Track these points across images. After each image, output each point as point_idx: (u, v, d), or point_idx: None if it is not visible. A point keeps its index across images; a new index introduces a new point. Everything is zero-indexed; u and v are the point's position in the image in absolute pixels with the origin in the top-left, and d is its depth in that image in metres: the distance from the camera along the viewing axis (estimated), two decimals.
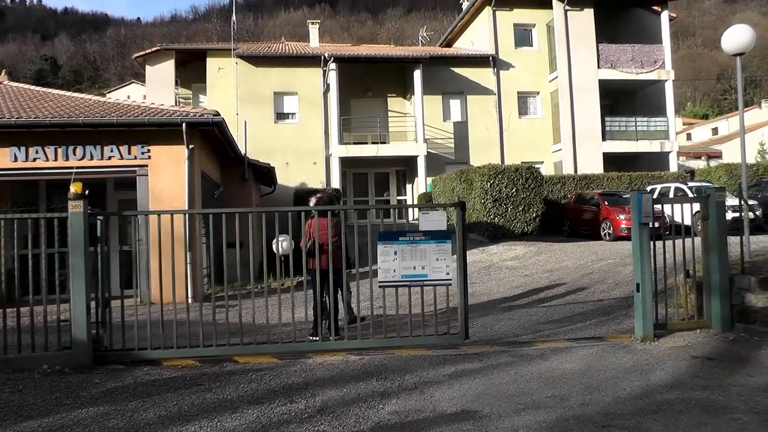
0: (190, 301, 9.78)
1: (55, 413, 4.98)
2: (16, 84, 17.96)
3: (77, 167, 12.26)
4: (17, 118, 12.42)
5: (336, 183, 25.84)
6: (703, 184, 20.23)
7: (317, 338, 7.61)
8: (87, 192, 6.56)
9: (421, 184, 26.50)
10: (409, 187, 28.84)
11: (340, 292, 8.34)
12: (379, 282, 7.05)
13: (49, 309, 6.62)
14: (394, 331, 7.35)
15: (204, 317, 7.20)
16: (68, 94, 16.90)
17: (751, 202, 12.59)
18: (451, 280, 7.14)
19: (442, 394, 5.26)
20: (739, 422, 4.45)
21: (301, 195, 22.26)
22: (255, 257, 7.20)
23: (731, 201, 13.61)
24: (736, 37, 9.20)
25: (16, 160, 12.73)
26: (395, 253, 6.99)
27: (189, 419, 4.76)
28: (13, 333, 6.50)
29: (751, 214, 8.86)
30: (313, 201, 8.67)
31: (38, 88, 17.55)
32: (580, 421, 4.52)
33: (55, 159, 12.83)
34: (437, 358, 6.55)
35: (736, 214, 14.32)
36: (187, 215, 8.41)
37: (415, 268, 7.02)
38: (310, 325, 8.02)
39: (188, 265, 10.63)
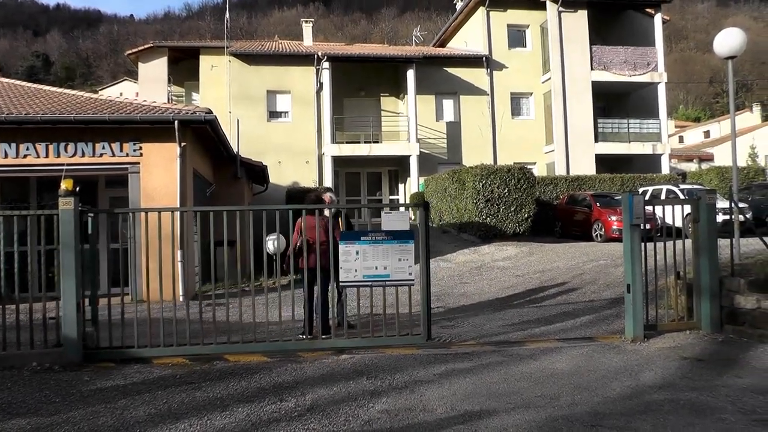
0: (181, 299, 9.77)
1: (45, 411, 4.96)
2: (7, 80, 17.87)
3: (68, 164, 12.20)
4: (8, 114, 12.35)
5: (328, 182, 25.82)
6: (695, 186, 20.34)
7: (308, 337, 7.62)
8: (78, 189, 6.54)
9: (413, 183, 26.52)
10: (401, 186, 28.86)
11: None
12: (341, 282, 7.05)
13: (38, 307, 6.59)
14: (358, 332, 7.35)
15: (194, 315, 7.19)
16: (60, 90, 16.82)
17: (741, 205, 12.65)
18: (413, 280, 7.10)
19: (432, 393, 5.27)
20: (726, 422, 4.48)
21: (294, 194, 22.25)
22: (246, 256, 7.20)
23: (722, 204, 13.68)
24: (728, 40, 9.25)
25: (6, 156, 12.66)
26: (357, 252, 6.96)
27: (179, 417, 4.75)
28: (2, 331, 6.46)
29: (741, 217, 8.91)
30: (327, 197, 8.63)
31: (30, 85, 17.47)
32: (569, 420, 4.54)
33: (46, 156, 12.77)
34: (428, 358, 6.56)
35: (727, 217, 14.40)
36: (178, 213, 8.40)
37: (377, 268, 6.97)
38: (301, 323, 8.01)
39: (180, 263, 10.60)
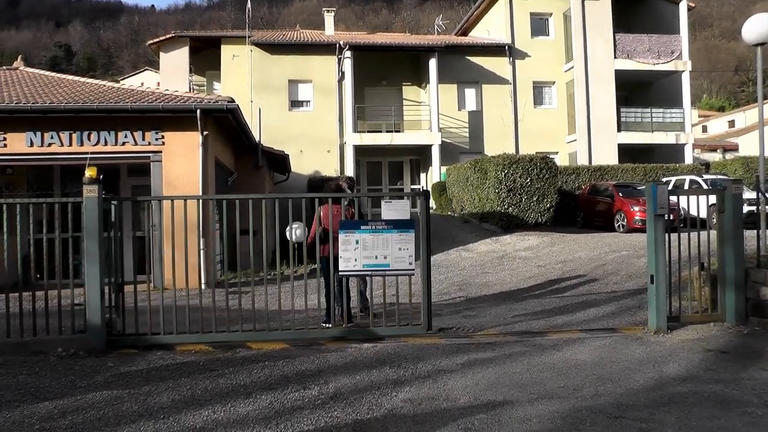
0: (203, 287, 9.84)
1: (70, 396, 5.03)
2: (31, 70, 18.05)
3: (91, 152, 12.30)
4: (33, 103, 12.49)
5: (350, 171, 25.83)
6: (719, 176, 20.06)
7: (330, 325, 7.65)
8: (101, 177, 6.59)
9: (435, 173, 26.45)
10: (423, 176, 28.79)
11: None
12: (340, 271, 7.01)
13: (64, 293, 6.67)
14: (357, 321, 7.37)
15: (217, 303, 7.24)
16: (83, 80, 16.97)
17: None
18: (413, 270, 7.06)
19: (455, 382, 5.27)
20: (753, 416, 4.42)
21: (315, 183, 22.29)
22: (268, 244, 7.22)
23: (748, 194, 13.46)
24: (758, 26, 9.06)
25: (31, 145, 12.80)
26: (356, 242, 6.91)
27: (202, 404, 4.79)
28: (29, 317, 6.56)
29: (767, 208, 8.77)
30: (343, 185, 8.63)
31: (53, 74, 17.64)
32: (592, 411, 4.52)
33: (70, 144, 12.89)
34: (450, 347, 6.55)
35: (752, 208, 14.18)
36: (200, 201, 8.45)
37: (377, 257, 6.92)
38: (323, 312, 8.04)
39: (201, 252, 10.67)
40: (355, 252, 6.91)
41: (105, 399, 4.94)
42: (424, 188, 8.03)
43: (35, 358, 6.22)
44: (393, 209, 7.10)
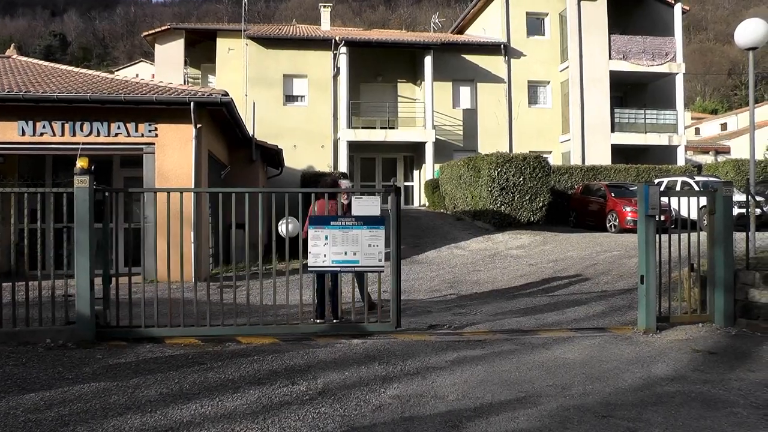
0: (195, 280, 9.82)
1: (57, 387, 5.01)
2: (24, 58, 17.94)
3: (84, 143, 12.25)
4: (25, 92, 12.41)
5: (343, 167, 25.80)
6: (710, 178, 20.14)
7: (321, 321, 7.65)
8: (93, 168, 6.56)
9: (428, 170, 26.46)
10: (416, 173, 28.80)
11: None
12: (309, 267, 6.97)
13: (56, 284, 6.64)
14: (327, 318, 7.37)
15: (206, 297, 7.22)
16: (77, 70, 16.87)
17: (758, 198, 12.53)
18: (383, 266, 7.02)
19: (443, 379, 5.27)
20: (738, 416, 4.45)
21: (308, 178, 22.25)
22: (261, 239, 7.21)
23: (738, 197, 13.54)
24: (750, 30, 9.12)
25: (23, 134, 12.72)
26: (326, 237, 6.87)
27: (190, 397, 4.78)
28: (19, 307, 6.53)
29: (758, 210, 8.82)
30: (343, 183, 8.60)
31: (47, 63, 17.53)
32: (580, 410, 4.53)
33: (62, 134, 12.82)
34: (440, 344, 6.56)
35: (743, 210, 14.26)
36: (193, 194, 8.42)
37: (346, 253, 6.89)
38: (314, 307, 8.03)
39: (192, 244, 10.63)
40: (324, 248, 6.86)
41: (92, 391, 4.92)
42: (395, 184, 7.93)
43: (23, 348, 6.19)
44: (363, 205, 7.05)
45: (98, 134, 12.91)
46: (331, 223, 6.93)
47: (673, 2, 29.11)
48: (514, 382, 5.21)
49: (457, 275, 12.78)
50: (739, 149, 40.09)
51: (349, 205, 8.09)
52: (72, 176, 6.50)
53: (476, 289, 11.24)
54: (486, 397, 4.81)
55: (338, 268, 7.00)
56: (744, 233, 8.10)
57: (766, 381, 5.29)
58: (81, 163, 6.49)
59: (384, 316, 7.25)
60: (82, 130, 12.85)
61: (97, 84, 13.87)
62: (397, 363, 5.78)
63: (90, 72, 16.63)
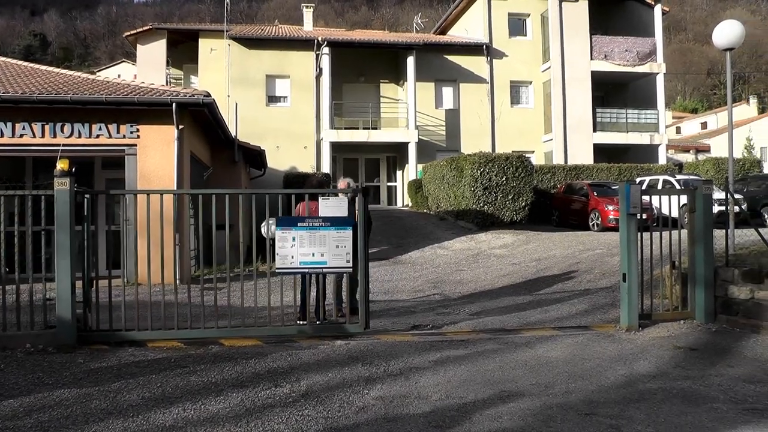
0: (177, 282, 9.74)
1: (37, 393, 4.95)
2: (3, 59, 17.71)
3: (64, 144, 12.12)
4: (3, 92, 12.26)
5: (326, 168, 25.76)
6: (691, 177, 20.33)
7: (305, 323, 7.62)
8: (74, 169, 6.50)
9: (411, 170, 26.48)
10: (399, 173, 28.82)
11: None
12: (276, 269, 6.94)
13: (36, 288, 6.57)
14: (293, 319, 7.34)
15: (189, 299, 7.18)
16: (57, 70, 16.70)
17: (737, 196, 12.67)
18: (350, 267, 7.00)
19: (427, 380, 5.28)
20: (718, 411, 4.51)
21: (291, 179, 22.19)
22: (243, 240, 7.17)
23: (718, 194, 13.68)
24: (727, 32, 9.23)
25: (2, 135, 12.56)
26: (293, 239, 6.83)
27: (173, 401, 4.75)
28: None
29: (736, 208, 8.92)
30: (341, 183, 8.56)
31: (26, 64, 17.32)
32: (563, 408, 4.55)
33: (42, 136, 12.68)
34: (423, 345, 6.56)
35: (722, 208, 14.40)
36: (175, 195, 8.36)
37: (314, 255, 6.86)
38: (297, 308, 8.01)
39: (176, 246, 10.56)
40: (292, 249, 6.83)
41: (73, 396, 4.87)
42: (362, 185, 7.90)
43: (1, 354, 6.10)
44: (330, 206, 7.03)
45: (79, 135, 12.78)
46: (299, 224, 6.89)
47: (653, 3, 29.38)
48: (498, 382, 5.23)
49: (440, 275, 12.80)
50: (718, 148, 40.53)
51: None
52: (52, 178, 6.43)
53: (460, 288, 11.26)
54: (469, 397, 4.82)
55: (306, 270, 6.96)
56: (724, 231, 8.18)
57: (744, 376, 5.36)
58: (61, 164, 6.43)
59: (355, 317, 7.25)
60: (62, 131, 12.72)
61: (78, 85, 13.74)
62: (380, 364, 5.78)
63: (71, 72, 16.47)
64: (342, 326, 7.23)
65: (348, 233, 6.92)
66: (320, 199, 7.16)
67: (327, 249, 6.88)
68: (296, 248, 6.84)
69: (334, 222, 6.91)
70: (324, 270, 7.01)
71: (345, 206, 7.05)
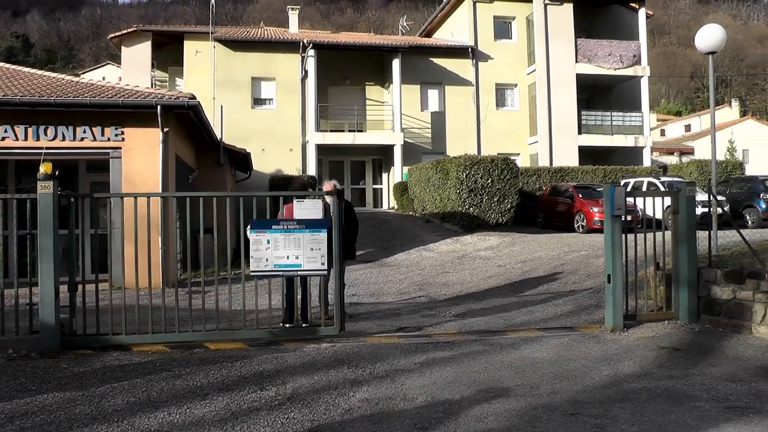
0: (161, 286, 9.69)
1: (20, 399, 4.90)
2: None
3: (48, 148, 12.04)
4: None
5: (312, 170, 25.73)
6: (675, 179, 20.50)
7: (291, 325, 7.62)
8: (57, 173, 6.45)
9: (397, 173, 26.50)
10: (385, 176, 28.81)
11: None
12: (251, 271, 6.90)
13: (20, 292, 6.52)
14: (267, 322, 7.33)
15: (172, 303, 7.15)
16: (40, 72, 16.55)
17: (719, 197, 12.80)
18: (325, 269, 6.98)
19: (412, 382, 5.29)
20: (701, 410, 4.56)
21: (277, 181, 22.14)
22: (230, 243, 7.15)
23: (701, 196, 13.80)
24: (709, 35, 9.35)
25: None
26: (268, 241, 6.79)
27: (158, 406, 4.72)
28: None
29: (719, 210, 9.01)
30: (328, 185, 8.53)
31: (9, 66, 17.15)
32: (548, 409, 4.58)
33: (25, 139, 12.57)
34: (409, 347, 6.57)
35: (706, 209, 14.54)
36: (161, 198, 8.33)
37: (288, 257, 6.82)
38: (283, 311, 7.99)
39: (160, 250, 10.51)
40: (266, 252, 6.79)
41: (57, 402, 4.83)
42: (338, 187, 7.88)
43: None
44: (305, 208, 7.00)
45: (63, 138, 12.69)
46: (273, 226, 6.85)
47: (637, 7, 29.61)
48: (483, 383, 5.24)
49: (426, 277, 12.82)
50: (702, 150, 40.90)
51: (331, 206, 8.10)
52: (36, 182, 6.39)
53: (445, 290, 11.29)
54: (455, 398, 4.83)
55: (281, 273, 6.92)
56: (707, 232, 8.26)
57: (726, 375, 5.42)
58: (44, 168, 6.38)
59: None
60: (46, 134, 12.61)
61: (61, 87, 13.64)
62: (366, 366, 5.78)
63: (54, 75, 16.35)
64: (316, 329, 7.23)
65: (322, 235, 6.89)
66: (294, 201, 7.12)
67: (302, 251, 6.84)
68: (271, 251, 6.80)
69: (309, 224, 6.88)
70: (299, 273, 6.98)
71: (320, 209, 7.02)
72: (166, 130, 12.92)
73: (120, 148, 12.94)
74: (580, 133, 28.16)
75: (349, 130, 27.00)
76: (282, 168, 26.14)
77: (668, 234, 7.92)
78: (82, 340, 6.60)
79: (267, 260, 6.79)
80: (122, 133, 12.92)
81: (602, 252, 8.50)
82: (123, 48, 29.04)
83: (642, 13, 29.42)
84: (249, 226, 7.02)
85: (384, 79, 28.85)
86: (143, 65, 28.37)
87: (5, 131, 12.48)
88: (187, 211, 10.05)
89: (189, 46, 27.82)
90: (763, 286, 6.82)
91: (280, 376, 5.50)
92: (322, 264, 6.90)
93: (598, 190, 19.74)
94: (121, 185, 12.75)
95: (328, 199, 8.13)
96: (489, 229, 18.35)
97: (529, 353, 6.27)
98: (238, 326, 7.04)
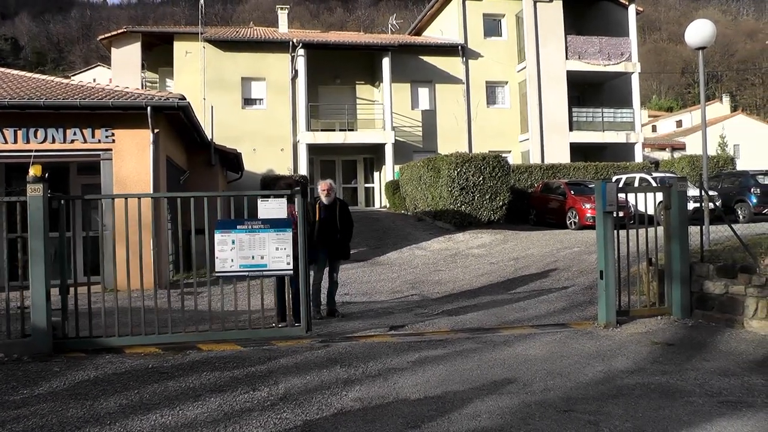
0: (154, 287, 9.65)
1: (11, 403, 4.87)
2: None
3: (38, 150, 11.97)
4: None
5: (303, 170, 25.68)
6: (667, 174, 20.55)
7: (284, 324, 7.60)
8: (47, 175, 6.42)
9: (388, 171, 26.48)
10: (376, 174, 28.78)
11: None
12: (216, 272, 6.87)
13: (14, 296, 6.47)
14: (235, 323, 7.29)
15: (164, 304, 7.12)
16: (30, 75, 16.45)
17: (711, 193, 12.85)
18: (291, 269, 6.96)
19: (405, 380, 5.28)
20: (695, 405, 4.57)
21: (269, 181, 22.08)
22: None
23: (693, 191, 13.85)
24: (699, 31, 9.38)
25: None
26: (233, 242, 6.78)
27: (150, 408, 4.70)
28: None
29: (711, 205, 9.04)
30: (323, 185, 8.51)
31: None
32: (542, 406, 4.58)
33: (15, 141, 12.49)
34: (402, 345, 6.57)
35: (698, 205, 14.61)
36: (152, 199, 8.30)
37: (253, 257, 6.81)
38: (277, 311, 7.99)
39: (152, 251, 10.46)
40: (231, 252, 6.77)
41: (48, 405, 4.81)
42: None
43: None
44: (269, 208, 6.97)
45: (53, 141, 12.61)
46: (238, 227, 6.83)
47: (627, 3, 29.67)
48: (476, 380, 5.24)
49: (418, 276, 12.81)
50: (693, 145, 41.00)
51: (326, 206, 8.12)
52: (26, 184, 6.35)
53: (438, 289, 11.28)
54: (448, 396, 4.83)
55: (246, 273, 6.89)
56: (699, 227, 8.28)
57: (719, 370, 5.44)
58: (34, 170, 6.35)
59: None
60: (36, 136, 12.54)
61: (51, 89, 13.56)
62: (358, 365, 5.77)
63: (44, 77, 16.24)
64: (282, 330, 7.24)
65: (288, 235, 6.88)
66: (259, 200, 7.10)
67: (266, 251, 6.82)
68: (236, 251, 6.78)
69: (274, 224, 6.86)
70: (264, 273, 6.96)
71: (284, 208, 7.00)
72: (156, 131, 12.86)
73: (110, 149, 12.88)
74: (571, 129, 28.20)
75: (340, 130, 26.96)
76: (274, 168, 26.08)
77: (660, 229, 7.94)
78: (74, 342, 6.57)
79: (232, 261, 6.77)
80: (113, 134, 12.86)
81: (594, 248, 8.52)
82: (113, 49, 28.88)
83: (632, 9, 29.48)
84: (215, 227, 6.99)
85: (374, 78, 28.82)
86: (133, 66, 28.22)
87: None
88: (178, 211, 9.98)
89: (179, 47, 27.70)
90: (754, 281, 6.84)
91: (272, 376, 5.48)
92: (288, 264, 6.87)
93: (590, 186, 19.77)
94: (112, 187, 12.68)
95: (326, 200, 8.16)
96: (481, 227, 18.37)
97: (522, 350, 6.27)
98: (230, 327, 7.02)
